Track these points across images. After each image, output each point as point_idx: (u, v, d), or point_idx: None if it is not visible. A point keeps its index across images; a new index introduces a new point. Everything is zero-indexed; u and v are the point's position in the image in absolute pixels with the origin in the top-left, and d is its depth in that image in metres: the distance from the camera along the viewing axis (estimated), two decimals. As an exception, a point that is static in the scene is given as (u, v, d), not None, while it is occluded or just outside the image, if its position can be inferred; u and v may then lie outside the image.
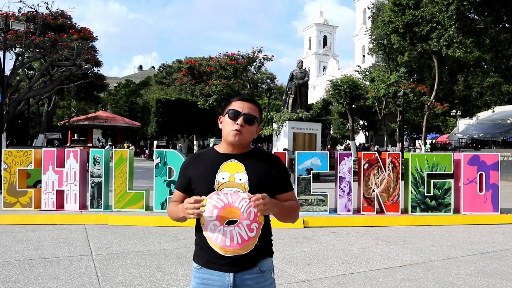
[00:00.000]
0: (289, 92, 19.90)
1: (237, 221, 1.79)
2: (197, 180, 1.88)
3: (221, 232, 1.79)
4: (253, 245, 1.82)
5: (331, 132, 45.94)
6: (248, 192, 1.80)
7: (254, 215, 1.81)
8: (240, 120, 1.83)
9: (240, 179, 1.83)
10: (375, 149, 37.75)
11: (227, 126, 1.86)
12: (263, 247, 1.87)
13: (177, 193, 1.98)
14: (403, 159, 8.54)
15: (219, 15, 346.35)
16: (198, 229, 1.89)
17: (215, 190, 1.82)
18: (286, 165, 6.80)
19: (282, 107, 21.10)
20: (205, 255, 1.85)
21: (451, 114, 36.84)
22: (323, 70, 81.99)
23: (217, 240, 1.80)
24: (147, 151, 41.47)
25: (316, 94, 69.84)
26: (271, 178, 1.88)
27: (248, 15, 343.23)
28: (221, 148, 1.92)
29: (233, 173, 1.84)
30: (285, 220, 1.93)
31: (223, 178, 1.83)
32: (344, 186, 8.21)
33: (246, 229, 1.79)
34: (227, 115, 1.87)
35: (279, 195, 1.93)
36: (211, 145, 38.35)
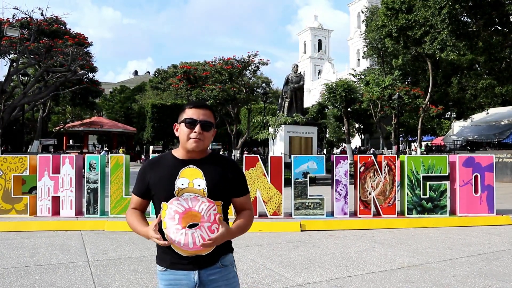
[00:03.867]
0: (284, 96, 19.96)
1: (198, 224, 1.85)
2: (156, 186, 1.92)
3: (183, 235, 1.84)
4: (214, 245, 1.89)
5: (327, 135, 46.08)
6: (207, 197, 1.87)
7: (214, 217, 1.87)
8: (197, 128, 1.88)
9: (199, 185, 1.88)
10: (371, 152, 37.88)
11: (185, 134, 1.90)
12: (224, 245, 1.94)
13: (135, 198, 2.02)
14: (399, 162, 8.58)
15: (212, 21, 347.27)
16: (161, 233, 1.92)
17: (175, 196, 1.87)
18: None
19: (277, 111, 21.15)
20: (167, 257, 1.91)
21: (446, 116, 37.09)
22: (318, 74, 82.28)
23: (180, 244, 1.85)
24: (143, 156, 41.37)
25: (311, 98, 70.02)
26: (227, 182, 1.94)
27: (242, 21, 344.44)
28: (179, 153, 1.96)
29: (192, 179, 1.89)
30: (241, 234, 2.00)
31: (182, 184, 1.88)
32: (341, 189, 8.22)
33: (207, 230, 1.85)
34: (183, 123, 1.91)
35: (235, 199, 2.01)
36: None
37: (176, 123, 1.98)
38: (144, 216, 2.02)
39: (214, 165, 1.94)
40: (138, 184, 2.00)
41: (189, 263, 1.87)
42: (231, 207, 2.06)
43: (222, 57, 30.75)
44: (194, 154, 1.92)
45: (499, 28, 21.54)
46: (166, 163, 1.94)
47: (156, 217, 1.92)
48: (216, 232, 1.86)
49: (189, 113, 1.91)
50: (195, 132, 1.88)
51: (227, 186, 1.93)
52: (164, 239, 1.88)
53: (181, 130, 1.92)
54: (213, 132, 1.95)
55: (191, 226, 1.84)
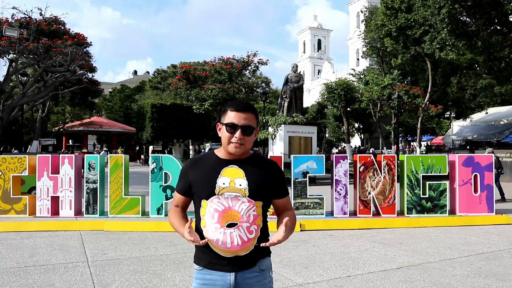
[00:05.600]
0: (284, 96, 19.96)
1: (237, 223, 1.85)
2: (197, 184, 1.92)
3: (222, 234, 1.85)
4: (252, 246, 1.88)
5: (327, 135, 46.07)
6: (247, 197, 1.87)
7: (253, 218, 1.88)
8: (238, 134, 1.88)
9: (240, 185, 1.88)
10: (371, 151, 37.88)
11: (226, 138, 1.90)
12: (262, 247, 1.92)
13: (178, 196, 2.04)
14: (399, 161, 8.58)
15: (211, 21, 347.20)
16: (199, 232, 1.93)
17: (215, 194, 1.87)
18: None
19: (277, 111, 21.15)
20: (206, 257, 1.91)
21: (445, 116, 37.08)
22: (318, 74, 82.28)
23: (218, 242, 1.85)
24: (142, 156, 41.34)
25: (311, 97, 70.02)
26: (269, 183, 1.94)
27: (241, 21, 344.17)
28: (221, 153, 1.97)
29: (233, 179, 1.89)
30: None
31: (223, 183, 1.88)
32: (340, 189, 8.22)
33: (245, 231, 1.85)
34: (224, 127, 1.91)
35: (276, 200, 2.02)
36: (206, 149, 38.28)
37: (219, 123, 1.98)
38: (186, 215, 2.02)
39: (256, 165, 1.94)
40: (180, 182, 2.01)
41: (227, 264, 1.86)
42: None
43: (222, 57, 30.77)
44: (235, 155, 1.93)
45: (498, 27, 21.54)
46: (208, 162, 1.96)
47: (195, 215, 1.93)
48: (255, 233, 1.87)
49: (231, 116, 1.89)
50: (235, 137, 1.87)
51: (268, 187, 1.93)
52: (202, 237, 1.88)
53: (223, 132, 1.92)
54: (254, 133, 1.95)
55: (230, 226, 1.84)
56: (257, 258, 1.91)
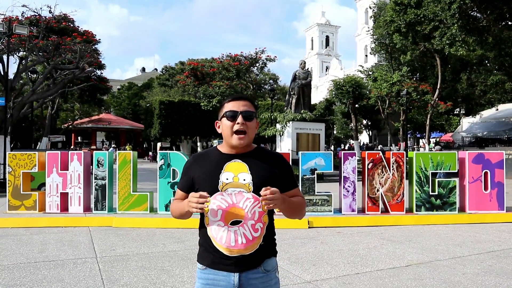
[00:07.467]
0: (292, 93, 19.88)
1: (241, 221, 1.78)
2: (200, 181, 1.87)
3: (226, 233, 1.78)
4: (257, 244, 1.81)
5: (335, 132, 45.87)
6: (252, 192, 1.80)
7: (259, 215, 1.81)
8: (239, 119, 1.83)
9: (244, 179, 1.82)
10: (379, 148, 37.65)
11: (228, 128, 1.85)
12: (268, 246, 1.87)
13: (180, 193, 1.98)
14: (407, 158, 8.50)
15: (218, 19, 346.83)
16: (202, 229, 1.89)
17: (219, 191, 1.81)
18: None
19: (285, 108, 21.08)
20: (209, 256, 1.85)
21: (455, 112, 36.73)
22: (326, 70, 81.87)
23: (221, 241, 1.79)
24: (150, 153, 41.58)
25: (319, 94, 69.75)
26: (275, 177, 1.87)
27: (248, 18, 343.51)
28: (224, 148, 1.91)
29: (237, 173, 1.83)
30: (293, 216, 1.93)
31: (227, 179, 1.82)
32: (349, 186, 8.17)
33: (250, 229, 1.79)
34: (224, 118, 1.86)
35: (284, 194, 1.93)
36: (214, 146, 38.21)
37: (217, 121, 1.93)
38: None
39: (260, 159, 1.88)
40: (182, 179, 1.97)
41: (231, 264, 1.80)
42: None
43: (229, 53, 30.76)
44: (239, 148, 1.87)
45: (509, 23, 21.24)
46: (211, 158, 1.90)
47: (199, 213, 1.86)
48: (261, 231, 1.80)
49: (229, 106, 1.86)
50: (237, 123, 1.82)
51: (274, 181, 1.84)
52: (206, 236, 1.83)
53: (223, 125, 1.87)
54: (256, 123, 1.90)
55: (234, 223, 1.78)
56: (263, 258, 1.85)
